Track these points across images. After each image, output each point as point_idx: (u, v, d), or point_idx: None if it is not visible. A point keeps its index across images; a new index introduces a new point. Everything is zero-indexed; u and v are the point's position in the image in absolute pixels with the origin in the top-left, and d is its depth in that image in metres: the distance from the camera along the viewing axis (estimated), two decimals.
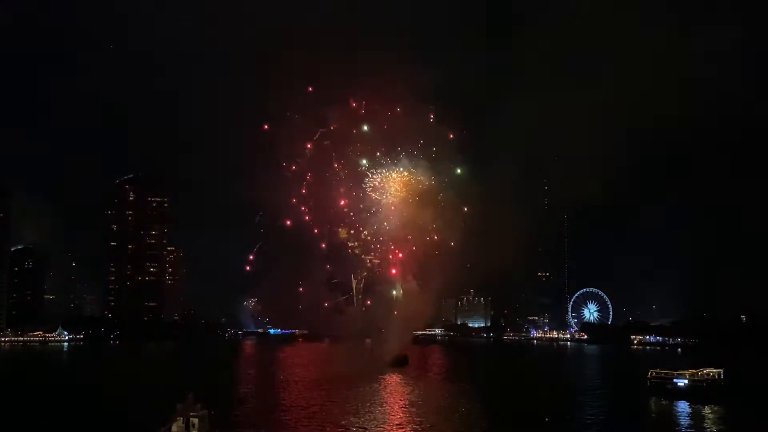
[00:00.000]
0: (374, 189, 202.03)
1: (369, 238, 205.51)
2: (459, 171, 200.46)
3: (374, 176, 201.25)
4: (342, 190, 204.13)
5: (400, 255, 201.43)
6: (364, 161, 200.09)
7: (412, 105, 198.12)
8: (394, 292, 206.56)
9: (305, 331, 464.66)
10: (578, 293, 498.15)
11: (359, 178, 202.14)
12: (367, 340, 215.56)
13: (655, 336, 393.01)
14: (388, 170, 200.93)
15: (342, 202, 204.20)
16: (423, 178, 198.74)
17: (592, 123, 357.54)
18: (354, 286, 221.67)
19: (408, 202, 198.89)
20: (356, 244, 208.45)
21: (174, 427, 69.29)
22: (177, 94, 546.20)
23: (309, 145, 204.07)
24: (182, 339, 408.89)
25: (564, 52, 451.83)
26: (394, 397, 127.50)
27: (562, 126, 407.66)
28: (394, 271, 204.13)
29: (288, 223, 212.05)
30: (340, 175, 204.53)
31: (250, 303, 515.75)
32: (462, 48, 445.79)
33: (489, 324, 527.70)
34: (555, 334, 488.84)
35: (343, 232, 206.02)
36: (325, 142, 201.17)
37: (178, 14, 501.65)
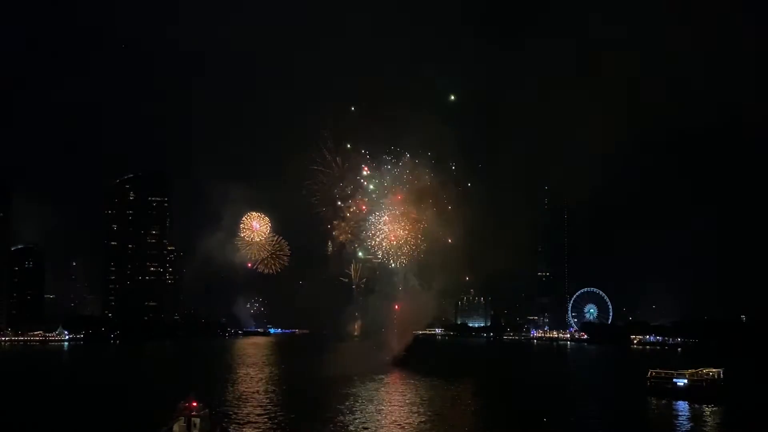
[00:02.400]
0: (375, 188, 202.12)
1: (370, 236, 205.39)
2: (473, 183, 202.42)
3: (376, 175, 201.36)
4: (342, 190, 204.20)
5: (405, 251, 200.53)
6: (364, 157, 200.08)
7: (415, 104, 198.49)
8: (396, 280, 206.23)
9: (306, 331, 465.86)
10: (578, 293, 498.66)
11: (360, 177, 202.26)
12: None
13: (655, 336, 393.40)
14: (390, 169, 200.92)
15: (343, 203, 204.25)
16: (425, 177, 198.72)
17: (592, 123, 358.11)
18: (354, 286, 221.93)
19: (410, 201, 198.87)
20: (357, 244, 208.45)
21: (175, 427, 69.47)
22: (178, 94, 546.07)
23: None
24: (182, 339, 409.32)
25: (565, 52, 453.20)
26: (395, 396, 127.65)
27: (563, 126, 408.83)
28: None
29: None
30: (340, 174, 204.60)
31: (251, 303, 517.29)
32: (463, 48, 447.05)
33: (489, 324, 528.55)
34: (555, 334, 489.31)
35: (343, 232, 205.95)
36: (327, 144, 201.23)
37: (180, 16, 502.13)
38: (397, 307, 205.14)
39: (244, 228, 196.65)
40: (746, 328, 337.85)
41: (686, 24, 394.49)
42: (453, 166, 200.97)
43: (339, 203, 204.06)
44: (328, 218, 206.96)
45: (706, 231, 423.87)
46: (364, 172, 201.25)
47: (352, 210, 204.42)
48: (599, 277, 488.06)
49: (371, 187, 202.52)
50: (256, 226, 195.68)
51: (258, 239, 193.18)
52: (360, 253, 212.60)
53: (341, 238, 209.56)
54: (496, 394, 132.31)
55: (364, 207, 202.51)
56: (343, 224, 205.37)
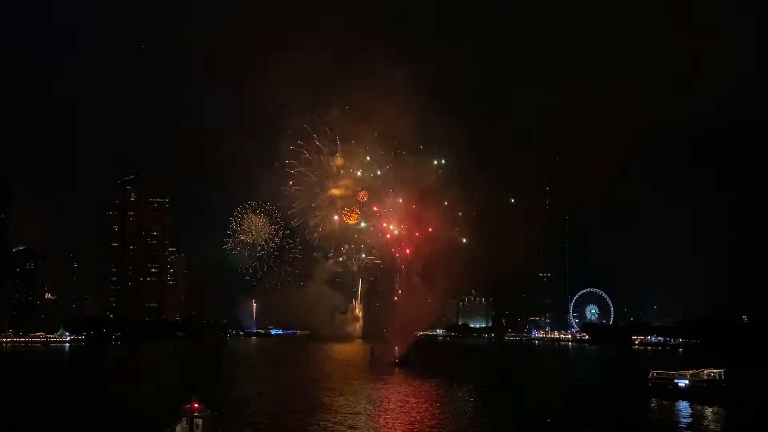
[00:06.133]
0: (377, 188, 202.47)
1: (372, 237, 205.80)
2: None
3: (377, 175, 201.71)
4: (342, 190, 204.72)
5: (407, 251, 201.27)
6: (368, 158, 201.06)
7: (415, 103, 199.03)
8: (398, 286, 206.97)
9: (307, 332, 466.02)
10: (579, 293, 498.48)
11: (361, 176, 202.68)
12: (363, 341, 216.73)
13: (657, 336, 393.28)
14: (391, 169, 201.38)
15: (344, 204, 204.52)
16: (428, 177, 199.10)
17: (593, 123, 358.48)
18: (356, 288, 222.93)
19: (412, 200, 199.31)
20: (358, 245, 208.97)
21: (178, 428, 69.51)
22: (178, 94, 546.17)
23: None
24: (184, 339, 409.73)
25: (565, 53, 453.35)
26: (397, 397, 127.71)
27: (564, 126, 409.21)
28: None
29: None
30: (340, 173, 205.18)
31: (252, 303, 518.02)
32: (464, 47, 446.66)
33: (490, 324, 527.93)
34: (556, 335, 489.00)
35: (344, 232, 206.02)
36: (323, 141, 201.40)
37: (177, 13, 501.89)
38: (398, 307, 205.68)
39: (246, 229, 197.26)
40: (748, 328, 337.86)
41: (686, 24, 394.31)
42: (456, 165, 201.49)
43: (339, 207, 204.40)
44: (329, 219, 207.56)
45: (706, 231, 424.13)
46: (362, 171, 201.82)
47: (354, 210, 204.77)
48: (600, 277, 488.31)
49: (374, 186, 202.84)
50: (259, 225, 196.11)
51: (261, 242, 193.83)
52: (362, 255, 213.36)
53: (342, 239, 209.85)
54: (497, 394, 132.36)
55: (365, 208, 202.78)
56: (344, 225, 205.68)
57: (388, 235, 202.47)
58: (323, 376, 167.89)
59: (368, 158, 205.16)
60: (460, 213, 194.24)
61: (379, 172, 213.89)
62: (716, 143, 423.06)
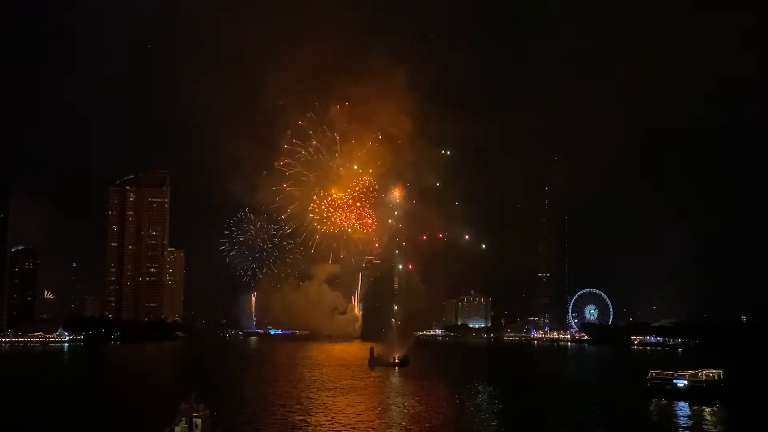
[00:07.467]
0: (377, 187, 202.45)
1: (372, 238, 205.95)
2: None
3: (377, 174, 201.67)
4: (342, 189, 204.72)
5: (407, 252, 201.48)
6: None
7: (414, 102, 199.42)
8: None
9: (306, 332, 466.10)
10: (579, 294, 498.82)
11: (360, 174, 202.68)
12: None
13: (656, 336, 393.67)
14: (391, 168, 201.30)
15: (343, 204, 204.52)
16: (428, 177, 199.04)
17: (592, 123, 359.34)
18: (358, 286, 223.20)
19: (413, 199, 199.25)
20: (357, 246, 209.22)
21: (177, 428, 69.63)
22: (177, 94, 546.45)
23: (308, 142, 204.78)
24: (183, 340, 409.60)
25: (565, 53, 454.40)
26: (397, 397, 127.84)
27: (563, 126, 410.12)
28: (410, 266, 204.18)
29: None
30: (340, 172, 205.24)
31: (251, 303, 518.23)
32: (465, 47, 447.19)
33: (489, 324, 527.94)
34: (555, 335, 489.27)
35: (343, 231, 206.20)
36: (323, 140, 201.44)
37: (177, 13, 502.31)
38: (397, 308, 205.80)
39: (246, 229, 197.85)
40: (747, 328, 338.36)
41: (685, 25, 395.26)
42: (457, 165, 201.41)
43: (339, 206, 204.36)
44: (329, 218, 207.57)
45: (706, 231, 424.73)
46: (362, 171, 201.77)
47: (353, 210, 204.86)
48: (600, 277, 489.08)
49: (374, 185, 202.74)
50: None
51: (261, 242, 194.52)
52: (362, 255, 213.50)
53: (342, 239, 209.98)
54: (496, 394, 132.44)
55: (365, 207, 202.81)
56: (344, 225, 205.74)
57: (380, 242, 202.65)
58: (323, 376, 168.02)
59: (368, 157, 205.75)
60: (462, 213, 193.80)
61: (375, 171, 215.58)
62: (717, 142, 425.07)
